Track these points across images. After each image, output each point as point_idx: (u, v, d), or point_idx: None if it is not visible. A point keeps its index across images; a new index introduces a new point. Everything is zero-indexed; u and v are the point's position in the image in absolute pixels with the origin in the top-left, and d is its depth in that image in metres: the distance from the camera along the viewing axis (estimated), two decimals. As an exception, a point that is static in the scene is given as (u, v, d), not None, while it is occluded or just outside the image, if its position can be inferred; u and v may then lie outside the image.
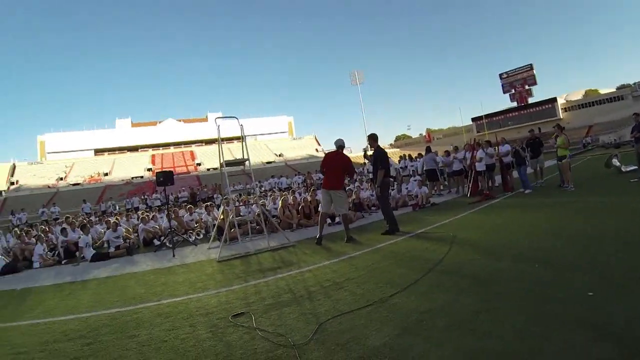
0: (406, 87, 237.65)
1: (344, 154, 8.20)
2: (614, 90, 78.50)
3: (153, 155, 74.20)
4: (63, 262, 10.05)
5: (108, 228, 11.22)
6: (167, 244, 9.98)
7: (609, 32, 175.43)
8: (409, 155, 20.78)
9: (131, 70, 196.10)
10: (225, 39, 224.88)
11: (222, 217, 9.88)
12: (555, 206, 9.10)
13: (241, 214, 10.80)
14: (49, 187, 56.45)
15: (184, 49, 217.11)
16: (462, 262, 5.27)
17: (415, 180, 14.50)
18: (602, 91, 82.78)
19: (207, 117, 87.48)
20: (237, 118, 9.11)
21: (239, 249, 8.30)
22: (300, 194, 14.77)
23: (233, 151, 74.29)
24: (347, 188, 14.35)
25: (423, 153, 16.85)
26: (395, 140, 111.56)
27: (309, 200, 11.82)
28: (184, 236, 10.97)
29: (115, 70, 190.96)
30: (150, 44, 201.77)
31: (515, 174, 14.26)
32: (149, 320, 4.43)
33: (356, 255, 6.54)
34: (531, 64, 78.49)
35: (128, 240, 11.04)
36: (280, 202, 11.95)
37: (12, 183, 59.26)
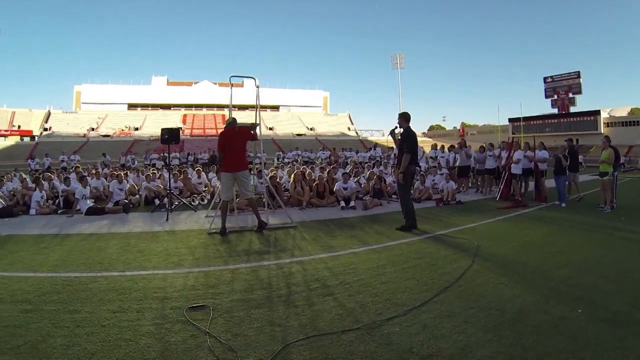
0: (446, 78, 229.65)
1: (243, 128, 7.33)
2: None
3: (185, 115, 74.67)
4: (59, 212, 9.56)
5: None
6: (166, 205, 9.36)
7: None
8: (442, 146, 19.48)
9: (172, 29, 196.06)
10: (269, 8, 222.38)
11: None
12: (596, 230, 7.55)
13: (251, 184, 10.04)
14: (80, 135, 57.28)
15: (229, 13, 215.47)
16: (484, 285, 4.23)
17: (442, 174, 13.34)
18: None
19: (243, 82, 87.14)
20: (254, 78, 8.19)
21: (237, 222, 7.60)
22: (316, 170, 13.81)
23: (265, 120, 74.24)
24: (369, 171, 13.50)
25: (456, 145, 15.66)
26: (428, 130, 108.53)
27: (325, 178, 10.88)
28: (187, 199, 10.28)
29: (156, 27, 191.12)
30: (194, 5, 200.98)
31: (548, 183, 12.84)
32: (100, 294, 3.85)
33: (360, 251, 5.67)
34: (578, 72, 73.94)
35: (130, 197, 10.49)
36: (292, 176, 10.93)
37: (46, 129, 60.48)
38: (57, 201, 10.49)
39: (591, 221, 8.47)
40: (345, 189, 10.41)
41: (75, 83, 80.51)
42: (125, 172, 13.64)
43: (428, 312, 3.46)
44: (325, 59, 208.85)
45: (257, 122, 8.02)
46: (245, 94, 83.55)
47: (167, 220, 8.07)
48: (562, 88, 75.85)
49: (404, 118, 7.65)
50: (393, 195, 11.78)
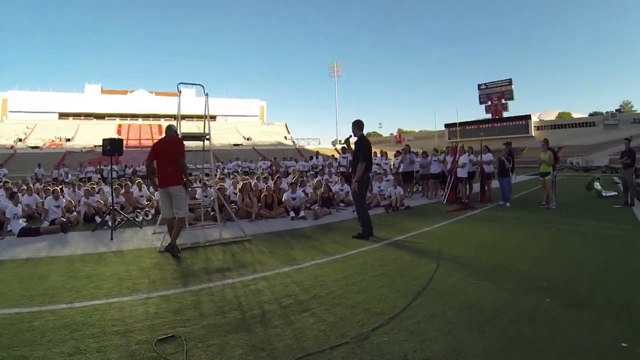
0: (381, 85, 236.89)
1: (177, 138, 6.65)
2: (587, 116, 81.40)
3: (120, 125, 70.55)
4: (-14, 233, 8.64)
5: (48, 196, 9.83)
6: (109, 223, 8.75)
7: (587, 59, 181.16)
8: (385, 152, 19.77)
9: (105, 35, 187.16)
10: (206, 16, 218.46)
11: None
12: (544, 226, 8.28)
13: (196, 197, 9.65)
14: (6, 147, 52.92)
15: (164, 20, 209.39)
16: (455, 285, 4.44)
17: (388, 180, 13.57)
18: (575, 115, 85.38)
19: (180, 91, 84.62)
20: (202, 86, 7.98)
21: (187, 238, 7.12)
22: (262, 181, 13.52)
23: (201, 129, 72.26)
24: (316, 180, 13.39)
25: (393, 152, 16.04)
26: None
27: (273, 188, 10.69)
28: (130, 215, 9.60)
29: (90, 33, 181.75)
30: (129, 10, 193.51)
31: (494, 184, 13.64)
32: (49, 334, 3.34)
33: (323, 262, 5.58)
34: (510, 79, 79.74)
35: (68, 215, 9.70)
36: (239, 187, 10.59)
37: (-34, 138, 55.37)
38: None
39: (537, 218, 9.33)
40: (293, 199, 10.33)
41: (0, 90, 73.49)
42: (60, 186, 12.63)
43: (410, 318, 3.50)
44: (262, 67, 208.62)
45: (207, 131, 7.71)
46: (183, 103, 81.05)
47: (111, 239, 7.44)
48: (495, 94, 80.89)
49: (357, 126, 7.62)
50: (341, 204, 11.81)
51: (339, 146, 70.35)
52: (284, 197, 10.38)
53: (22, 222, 8.71)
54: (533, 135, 73.42)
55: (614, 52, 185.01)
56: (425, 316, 3.54)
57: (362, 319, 3.50)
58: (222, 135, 68.79)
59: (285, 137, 75.81)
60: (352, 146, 8.07)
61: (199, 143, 8.41)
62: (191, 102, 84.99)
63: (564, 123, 78.35)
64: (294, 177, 14.62)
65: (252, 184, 10.96)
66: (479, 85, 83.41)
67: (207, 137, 7.81)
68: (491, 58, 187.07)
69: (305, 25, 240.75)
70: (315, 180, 13.01)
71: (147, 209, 10.54)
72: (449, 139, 78.06)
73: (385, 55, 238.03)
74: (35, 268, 5.61)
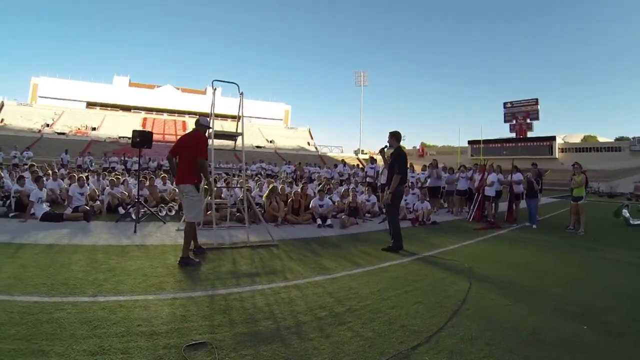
0: (407, 98, 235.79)
1: (200, 135, 5.83)
2: (613, 140, 79.46)
3: (145, 118, 71.91)
4: (10, 215, 8.54)
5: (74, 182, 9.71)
6: (132, 215, 8.54)
7: (614, 83, 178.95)
8: (411, 165, 19.32)
9: (137, 30, 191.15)
10: (235, 18, 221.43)
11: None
12: (573, 251, 8.05)
13: (222, 196, 9.41)
14: (34, 131, 53.87)
15: (195, 19, 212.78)
16: (490, 306, 4.25)
17: (414, 193, 13.18)
18: (600, 139, 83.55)
19: (205, 90, 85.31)
20: (237, 85, 7.63)
21: (212, 238, 6.87)
22: (287, 185, 13.24)
23: (225, 128, 72.57)
24: (343, 188, 13.03)
25: (418, 166, 15.68)
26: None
27: (300, 194, 10.39)
28: (154, 209, 9.42)
29: (121, 26, 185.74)
30: (161, 8, 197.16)
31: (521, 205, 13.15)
32: (71, 328, 3.12)
33: (355, 273, 5.32)
34: (537, 99, 78.17)
35: (91, 203, 9.54)
36: (267, 189, 10.33)
37: (-2, 120, 56.58)
38: (7, 202, 9.41)
39: (565, 242, 9.01)
40: (321, 206, 10.05)
41: (32, 74, 75.54)
42: (85, 174, 12.54)
43: (448, 338, 3.34)
44: (289, 72, 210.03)
45: (239, 131, 7.48)
46: (207, 102, 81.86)
47: (134, 232, 7.28)
48: (521, 113, 79.49)
49: (395, 137, 7.43)
50: (367, 214, 11.50)
51: (361, 156, 70.15)
52: (312, 203, 10.13)
53: (45, 207, 8.61)
54: (557, 157, 72.00)
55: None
56: (463, 337, 3.37)
57: (400, 336, 3.31)
58: (245, 136, 69.19)
59: (308, 143, 76.01)
60: (386, 156, 7.87)
61: (228, 142, 8.15)
62: (216, 101, 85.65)
63: (589, 146, 76.48)
64: (319, 184, 14.28)
65: (280, 187, 10.64)
66: (505, 104, 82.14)
67: (238, 136, 7.55)
68: (518, 77, 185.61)
69: (333, 34, 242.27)
70: (343, 189, 12.64)
71: (171, 204, 10.31)
72: (472, 155, 77.14)
73: (411, 69, 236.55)
74: (57, 255, 5.42)
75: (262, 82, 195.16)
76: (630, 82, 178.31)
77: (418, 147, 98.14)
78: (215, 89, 7.32)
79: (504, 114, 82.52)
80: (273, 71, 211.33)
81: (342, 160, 24.88)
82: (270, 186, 10.29)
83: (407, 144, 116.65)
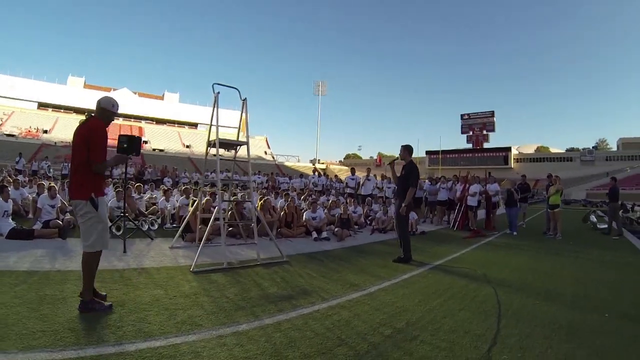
0: (365, 108, 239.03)
1: (93, 123, 4.01)
2: (564, 151, 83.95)
3: (99, 123, 68.00)
4: (-33, 233, 7.26)
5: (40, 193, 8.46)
6: (114, 230, 7.50)
7: (565, 96, 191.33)
8: (387, 177, 18.98)
9: (95, 29, 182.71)
10: (192, 23, 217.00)
11: (190, 209, 7.70)
12: (562, 254, 8.73)
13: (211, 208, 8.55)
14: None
15: (152, 23, 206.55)
16: (523, 306, 4.56)
17: (394, 204, 12.86)
18: (552, 150, 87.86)
19: (163, 95, 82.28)
20: (238, 90, 7.04)
21: (215, 256, 6.28)
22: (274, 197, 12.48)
23: (182, 137, 70.13)
24: (330, 200, 12.38)
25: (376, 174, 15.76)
26: (344, 159, 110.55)
27: (293, 206, 10.00)
28: (135, 223, 8.35)
29: (79, 24, 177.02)
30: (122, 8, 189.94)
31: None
32: None
33: (385, 287, 5.18)
34: (493, 111, 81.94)
35: (62, 217, 8.31)
36: (258, 202, 9.59)
37: None
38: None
39: (551, 246, 9.79)
40: (314, 218, 9.59)
41: None
42: (50, 183, 11.20)
43: (510, 337, 3.54)
44: (246, 79, 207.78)
45: (242, 139, 6.79)
46: (164, 108, 79.25)
47: (124, 252, 6.42)
48: (477, 125, 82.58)
49: (408, 151, 7.42)
50: (355, 226, 11.00)
51: (318, 165, 69.71)
52: (304, 216, 9.82)
53: (11, 222, 7.40)
54: (512, 167, 75.05)
55: (591, 91, 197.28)
56: (521, 334, 3.62)
57: (471, 342, 3.40)
58: (203, 144, 67.05)
59: (265, 152, 74.76)
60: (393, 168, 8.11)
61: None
62: (174, 107, 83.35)
63: (542, 157, 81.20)
64: (302, 196, 13.59)
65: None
66: (462, 115, 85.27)
67: (240, 145, 7.24)
68: (475, 88, 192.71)
69: (290, 43, 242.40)
70: (330, 200, 12.06)
71: (153, 218, 9.26)
72: (429, 166, 78.97)
73: (370, 80, 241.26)
74: (44, 287, 4.29)
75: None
76: (579, 96, 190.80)
77: (375, 157, 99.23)
78: (218, 93, 6.65)
79: (461, 125, 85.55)
80: (229, 78, 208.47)
81: (315, 170, 24.21)
82: (263, 199, 9.48)
83: (363, 153, 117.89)
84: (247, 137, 6.97)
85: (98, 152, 3.80)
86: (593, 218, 15.48)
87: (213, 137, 6.66)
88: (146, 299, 4.11)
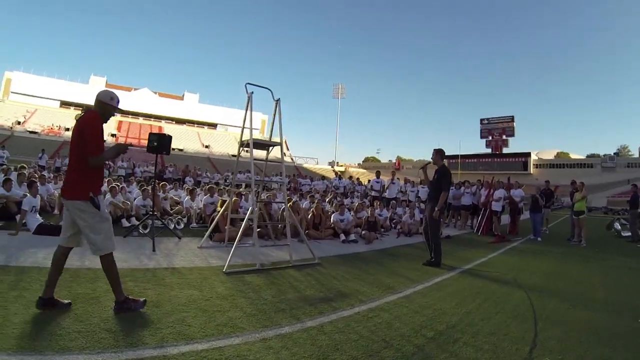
0: (383, 111, 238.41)
1: (92, 116, 3.60)
2: (584, 157, 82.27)
3: (120, 122, 68.73)
4: (-5, 227, 7.15)
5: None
6: (141, 229, 7.33)
7: (587, 102, 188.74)
8: (411, 180, 18.68)
9: (117, 30, 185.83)
10: (214, 26, 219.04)
11: (218, 209, 7.53)
12: (588, 259, 8.83)
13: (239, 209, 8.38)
14: (4, 128, 50.35)
15: (174, 25, 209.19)
16: (556, 310, 4.62)
17: (419, 208, 12.72)
18: (572, 156, 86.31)
19: (183, 95, 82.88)
20: (270, 90, 6.97)
21: (246, 257, 6.23)
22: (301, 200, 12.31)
23: (201, 137, 70.47)
24: (357, 203, 12.13)
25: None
26: (363, 161, 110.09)
27: (321, 208, 9.89)
28: (163, 221, 8.33)
29: (102, 25, 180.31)
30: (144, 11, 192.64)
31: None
32: None
33: (421, 290, 5.18)
34: (512, 116, 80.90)
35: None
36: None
37: (-36, 115, 52.83)
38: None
39: (576, 252, 9.86)
40: (341, 220, 9.60)
41: (6, 69, 70.87)
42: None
43: (549, 340, 3.58)
44: (266, 81, 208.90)
45: (276, 140, 6.61)
46: (184, 108, 79.86)
47: (153, 250, 6.34)
48: (497, 130, 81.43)
49: (440, 155, 7.38)
50: (381, 228, 10.77)
51: (337, 168, 69.41)
52: (332, 218, 9.77)
53: (39, 217, 7.29)
54: (531, 172, 73.79)
55: (613, 98, 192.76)
56: (559, 338, 3.68)
57: (511, 344, 3.45)
58: (222, 145, 67.57)
59: (285, 154, 74.49)
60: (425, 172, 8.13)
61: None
62: (193, 108, 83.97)
63: (562, 163, 79.55)
64: (329, 199, 13.38)
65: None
66: (482, 120, 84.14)
67: (273, 146, 7.20)
68: (495, 93, 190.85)
69: (312, 46, 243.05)
70: (357, 203, 11.88)
71: (179, 217, 9.13)
72: (448, 170, 78.00)
73: (390, 84, 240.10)
74: (75, 285, 4.12)
75: (238, 90, 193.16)
76: (600, 102, 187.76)
77: (394, 161, 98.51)
78: (251, 93, 6.55)
79: (481, 130, 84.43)
80: (248, 79, 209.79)
81: (336, 173, 24.03)
82: (291, 201, 9.50)
83: (381, 157, 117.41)
84: (281, 138, 6.75)
85: (93, 145, 3.51)
86: (617, 226, 15.30)
87: (245, 137, 6.63)
88: (182, 299, 3.96)
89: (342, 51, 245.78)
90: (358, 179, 25.67)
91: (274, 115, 6.93)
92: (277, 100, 6.78)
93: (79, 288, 4.01)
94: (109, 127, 62.52)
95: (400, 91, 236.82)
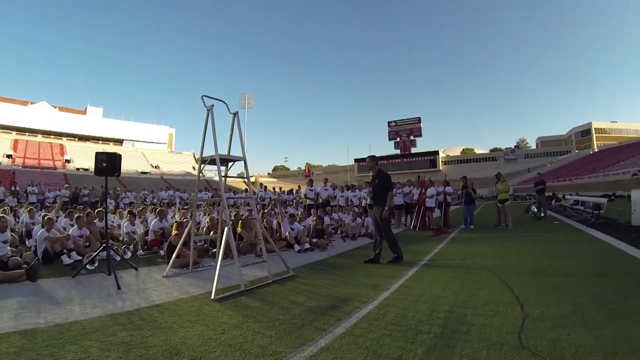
0: (289, 118, 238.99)
1: None
2: (488, 152, 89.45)
3: (16, 140, 60.53)
4: None
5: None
6: (87, 266, 6.46)
7: (487, 100, 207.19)
8: (351, 185, 18.90)
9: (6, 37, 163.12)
10: (116, 35, 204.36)
11: (175, 232, 7.03)
12: (527, 239, 10.06)
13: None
14: None
15: (71, 34, 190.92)
16: (522, 280, 5.35)
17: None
18: (477, 151, 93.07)
19: (86, 109, 75.69)
20: (226, 103, 6.66)
21: (222, 280, 5.57)
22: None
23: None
24: (300, 212, 12.07)
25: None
26: (273, 170, 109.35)
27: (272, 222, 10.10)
28: (119, 253, 7.52)
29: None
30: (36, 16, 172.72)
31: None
32: None
33: (404, 283, 5.50)
34: (419, 117, 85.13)
35: (21, 252, 6.94)
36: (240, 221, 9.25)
37: None
38: None
39: (512, 235, 11.16)
40: (292, 229, 9.68)
41: None
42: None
43: (549, 319, 3.71)
44: (171, 93, 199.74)
45: (243, 154, 6.44)
46: (87, 123, 73.03)
47: (119, 289, 5.42)
48: (404, 131, 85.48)
49: (375, 161, 8.03)
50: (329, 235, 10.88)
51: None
52: (283, 229, 9.74)
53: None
54: (441, 169, 78.47)
55: (510, 94, 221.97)
56: (536, 296, 4.52)
57: (506, 307, 4.13)
58: (129, 162, 63.04)
59: (194, 167, 71.91)
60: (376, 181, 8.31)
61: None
62: (97, 122, 77.11)
63: (468, 158, 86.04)
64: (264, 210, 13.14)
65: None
66: (389, 123, 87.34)
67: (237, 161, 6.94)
68: (401, 95, 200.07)
69: (217, 56, 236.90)
70: (300, 212, 11.83)
71: (125, 246, 8.29)
72: (358, 173, 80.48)
73: (294, 89, 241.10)
74: (60, 350, 3.19)
75: (142, 101, 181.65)
76: (500, 98, 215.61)
77: (304, 168, 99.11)
78: (212, 106, 6.14)
79: (389, 132, 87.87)
80: (154, 91, 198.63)
81: (261, 184, 23.81)
82: (242, 217, 9.41)
83: (290, 165, 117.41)
84: (244, 152, 6.49)
85: None
86: (534, 209, 17.69)
87: (206, 154, 6.42)
88: (196, 340, 3.47)
89: (249, 60, 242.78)
90: (280, 188, 25.50)
91: (232, 129, 6.72)
92: (234, 114, 6.60)
93: (67, 355, 3.07)
94: (4, 148, 55.24)
95: (306, 97, 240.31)
